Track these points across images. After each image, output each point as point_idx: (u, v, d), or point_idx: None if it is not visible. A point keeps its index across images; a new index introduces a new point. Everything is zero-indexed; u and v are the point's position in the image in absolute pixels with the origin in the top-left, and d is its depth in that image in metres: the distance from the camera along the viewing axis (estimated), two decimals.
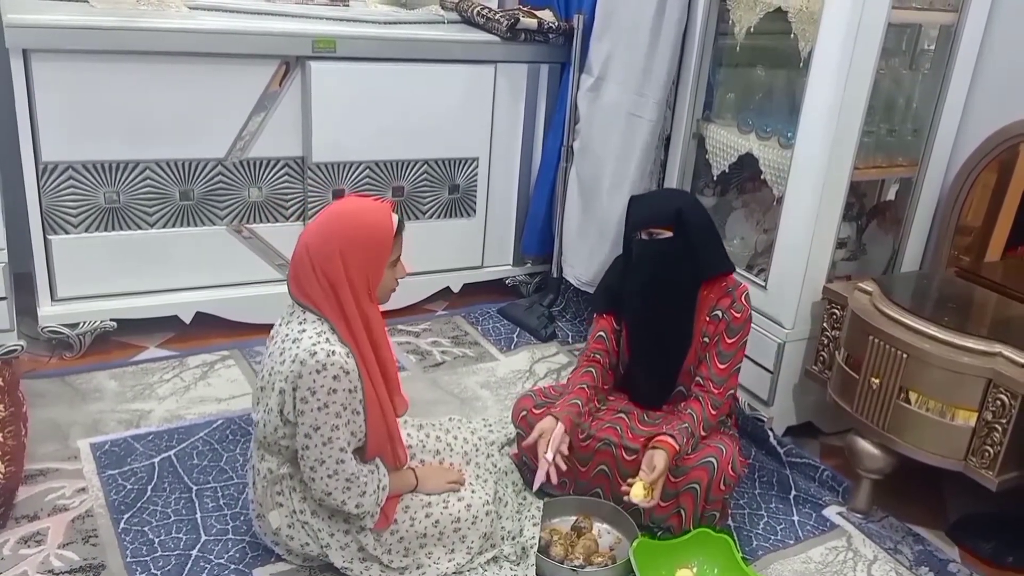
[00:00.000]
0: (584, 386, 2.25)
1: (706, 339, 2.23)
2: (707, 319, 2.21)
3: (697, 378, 2.24)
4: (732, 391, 2.25)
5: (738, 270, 2.74)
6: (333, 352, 1.83)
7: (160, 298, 2.95)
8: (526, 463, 2.36)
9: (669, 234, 2.16)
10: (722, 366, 2.21)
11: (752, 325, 2.27)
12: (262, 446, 1.97)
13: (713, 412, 2.19)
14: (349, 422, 1.88)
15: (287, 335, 1.89)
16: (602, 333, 2.33)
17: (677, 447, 2.08)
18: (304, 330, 1.87)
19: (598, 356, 2.32)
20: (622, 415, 2.29)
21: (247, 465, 2.22)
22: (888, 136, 2.65)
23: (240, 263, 3.05)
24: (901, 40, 2.66)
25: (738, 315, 2.20)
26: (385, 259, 1.92)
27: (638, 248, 2.22)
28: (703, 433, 2.17)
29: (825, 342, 2.54)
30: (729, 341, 2.20)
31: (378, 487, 1.95)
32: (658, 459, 2.06)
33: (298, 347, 1.84)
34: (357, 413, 1.90)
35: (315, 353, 1.82)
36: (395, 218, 1.92)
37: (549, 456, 2.11)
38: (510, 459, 2.39)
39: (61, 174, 2.70)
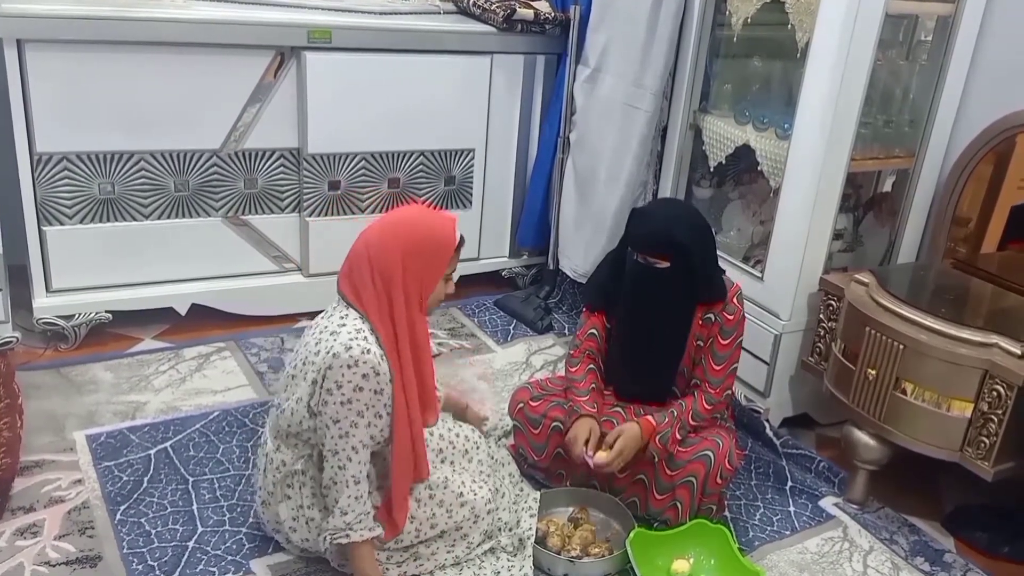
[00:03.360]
0: (594, 386, 2.24)
1: (700, 342, 2.22)
2: (700, 322, 2.20)
3: (694, 380, 2.24)
4: (729, 390, 2.25)
5: (735, 262, 2.76)
6: (368, 351, 1.84)
7: (156, 290, 2.94)
8: (523, 455, 2.36)
9: (666, 264, 2.12)
10: (718, 367, 2.20)
11: (748, 318, 2.26)
12: (279, 436, 1.96)
13: (707, 407, 2.19)
14: (370, 424, 1.87)
15: (326, 327, 1.89)
16: (593, 331, 2.31)
17: (654, 424, 2.13)
18: (344, 325, 1.87)
19: (592, 354, 2.30)
20: (618, 409, 2.29)
21: (256, 449, 2.20)
22: (885, 127, 2.65)
23: (236, 255, 3.04)
24: (898, 31, 2.66)
25: (731, 317, 2.18)
26: (442, 271, 1.94)
27: (633, 267, 2.17)
28: (692, 422, 2.17)
29: (822, 333, 2.54)
30: (724, 343, 2.19)
31: (367, 523, 1.90)
32: (628, 427, 2.12)
33: (335, 340, 1.84)
34: (380, 416, 1.89)
35: (350, 348, 1.83)
36: (458, 233, 1.95)
37: (591, 456, 2.11)
38: (507, 451, 2.39)
39: (56, 165, 2.69)
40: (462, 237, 1.97)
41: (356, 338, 1.84)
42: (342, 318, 1.89)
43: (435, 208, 1.97)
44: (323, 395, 1.85)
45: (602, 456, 2.11)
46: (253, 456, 2.36)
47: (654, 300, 2.16)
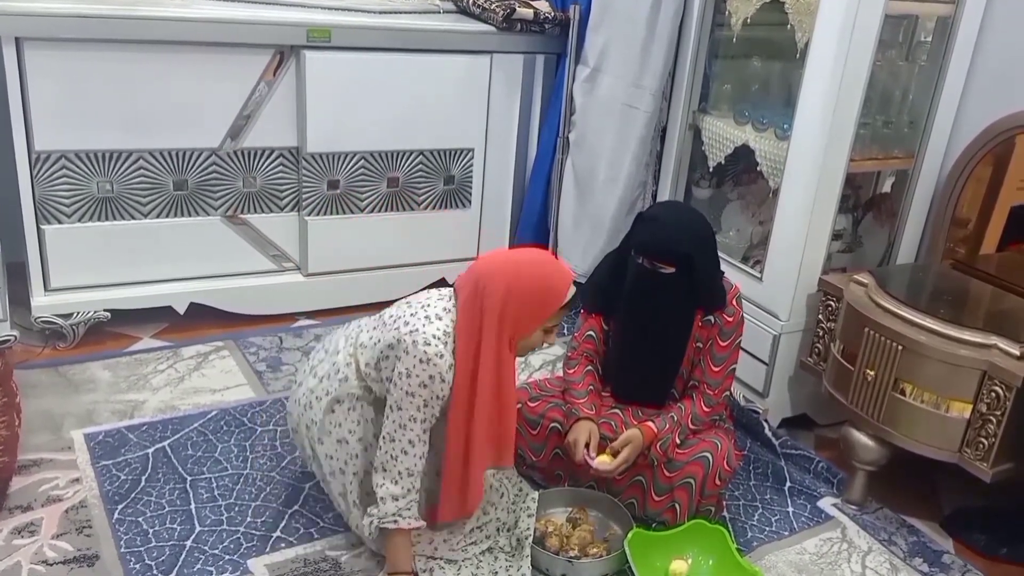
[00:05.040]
0: (592, 387, 2.24)
1: (699, 344, 2.21)
2: (699, 324, 2.20)
3: (692, 381, 2.24)
4: (728, 392, 2.25)
5: (734, 263, 2.76)
6: (441, 356, 1.87)
7: (154, 288, 2.94)
8: (521, 456, 2.36)
9: (671, 270, 2.11)
10: (716, 368, 2.20)
11: (747, 319, 2.26)
12: (356, 350, 1.99)
13: (706, 409, 2.19)
14: (426, 420, 1.91)
15: (432, 306, 1.93)
16: (591, 332, 2.30)
17: (656, 430, 2.12)
18: (442, 319, 1.90)
19: (590, 355, 2.30)
20: (616, 411, 2.28)
21: (297, 384, 2.15)
22: (884, 128, 2.65)
23: (234, 253, 3.04)
24: (898, 31, 2.65)
25: (730, 319, 2.18)
26: (542, 321, 1.95)
27: (636, 270, 2.15)
28: (692, 426, 2.17)
29: (820, 334, 2.54)
30: (723, 344, 2.19)
31: (414, 512, 1.94)
32: (634, 435, 2.11)
33: (426, 326, 1.88)
34: (436, 420, 1.93)
35: (429, 344, 1.86)
36: (571, 291, 1.95)
37: (594, 456, 2.11)
38: None
39: (54, 163, 2.68)
40: (575, 298, 1.97)
41: (438, 335, 1.88)
42: (446, 311, 1.93)
43: (558, 259, 2.04)
44: (394, 378, 1.89)
45: (606, 462, 2.10)
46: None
47: (656, 304, 2.16)
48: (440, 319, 1.90)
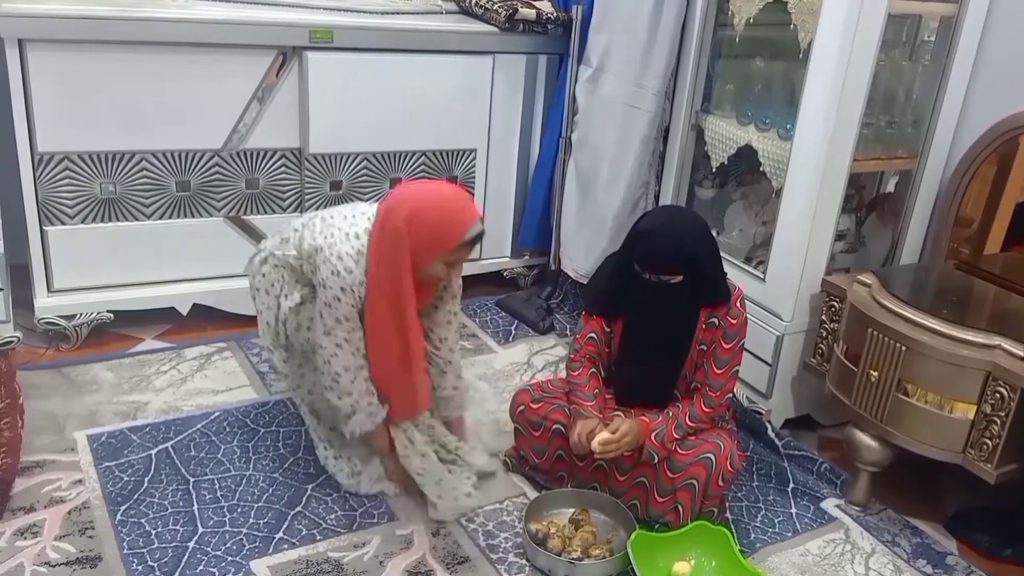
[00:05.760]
0: (597, 390, 2.24)
1: (703, 346, 2.20)
2: (703, 326, 2.19)
3: (694, 383, 2.23)
4: (730, 393, 2.24)
5: (737, 263, 2.75)
6: (351, 272, 2.03)
7: (157, 289, 2.94)
8: (524, 458, 2.36)
9: (679, 278, 2.09)
10: (719, 371, 2.19)
11: (750, 319, 2.25)
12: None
13: (706, 409, 2.18)
14: (351, 331, 2.08)
15: (355, 219, 2.09)
16: (593, 335, 2.29)
17: (648, 422, 2.14)
18: (360, 238, 2.05)
19: (592, 357, 2.29)
20: (619, 413, 2.28)
21: (252, 271, 2.33)
22: (888, 128, 2.64)
23: (237, 255, 3.00)
24: (901, 31, 2.65)
25: (734, 321, 2.17)
26: (441, 252, 2.04)
27: (643, 284, 2.12)
28: (690, 423, 2.16)
29: (824, 335, 2.53)
30: (726, 346, 2.18)
31: (367, 411, 2.16)
32: (630, 420, 2.14)
33: (343, 242, 2.05)
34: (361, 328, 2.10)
35: (342, 258, 2.03)
36: (473, 230, 2.04)
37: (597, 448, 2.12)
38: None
39: (57, 165, 2.69)
40: (479, 235, 2.06)
41: (352, 256, 2.03)
42: (366, 231, 2.07)
43: (470, 198, 2.15)
44: (318, 283, 2.07)
45: (604, 434, 2.11)
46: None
47: (665, 312, 2.15)
48: (359, 239, 2.05)
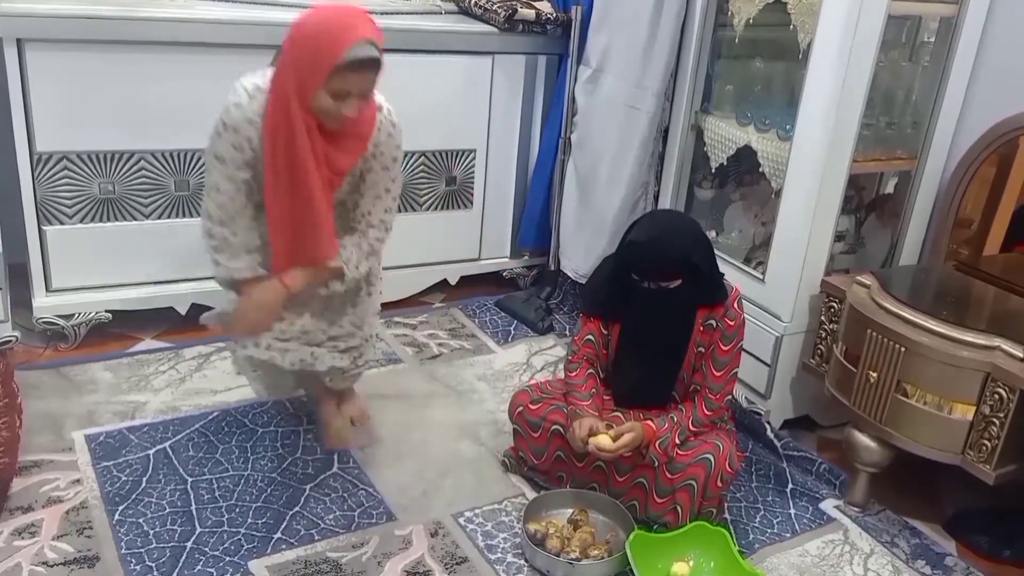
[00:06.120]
0: (595, 391, 2.23)
1: (701, 348, 2.20)
2: (701, 328, 2.19)
3: (693, 385, 2.23)
4: (730, 395, 2.24)
5: (736, 264, 2.75)
6: (238, 106, 1.90)
7: (156, 289, 2.93)
8: (523, 458, 2.35)
9: (678, 282, 2.10)
10: (718, 373, 2.19)
11: (749, 320, 2.25)
12: None
13: (708, 412, 2.19)
14: (231, 176, 1.95)
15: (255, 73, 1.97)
16: (590, 337, 2.29)
17: (655, 428, 2.12)
18: (255, 82, 1.94)
19: (590, 358, 2.29)
20: (618, 414, 2.28)
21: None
22: (887, 129, 2.64)
23: None
24: (901, 32, 2.65)
25: (732, 323, 2.17)
26: (322, 75, 1.82)
27: (642, 291, 2.13)
28: (692, 428, 2.17)
29: (823, 335, 2.53)
30: (724, 348, 2.18)
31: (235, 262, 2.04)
32: (633, 424, 2.12)
33: (243, 79, 1.95)
34: (248, 171, 1.97)
35: (236, 90, 1.92)
36: (355, 51, 1.81)
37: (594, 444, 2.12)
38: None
39: (56, 164, 2.68)
40: (371, 59, 1.85)
41: (249, 90, 1.92)
42: (263, 75, 1.94)
43: (367, 21, 1.89)
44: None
45: (605, 440, 2.10)
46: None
47: (664, 316, 2.16)
48: (264, 76, 1.92)
